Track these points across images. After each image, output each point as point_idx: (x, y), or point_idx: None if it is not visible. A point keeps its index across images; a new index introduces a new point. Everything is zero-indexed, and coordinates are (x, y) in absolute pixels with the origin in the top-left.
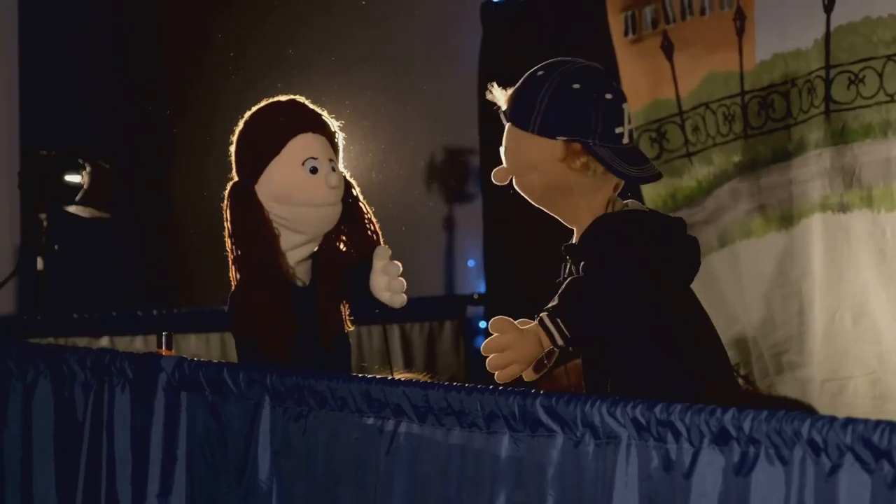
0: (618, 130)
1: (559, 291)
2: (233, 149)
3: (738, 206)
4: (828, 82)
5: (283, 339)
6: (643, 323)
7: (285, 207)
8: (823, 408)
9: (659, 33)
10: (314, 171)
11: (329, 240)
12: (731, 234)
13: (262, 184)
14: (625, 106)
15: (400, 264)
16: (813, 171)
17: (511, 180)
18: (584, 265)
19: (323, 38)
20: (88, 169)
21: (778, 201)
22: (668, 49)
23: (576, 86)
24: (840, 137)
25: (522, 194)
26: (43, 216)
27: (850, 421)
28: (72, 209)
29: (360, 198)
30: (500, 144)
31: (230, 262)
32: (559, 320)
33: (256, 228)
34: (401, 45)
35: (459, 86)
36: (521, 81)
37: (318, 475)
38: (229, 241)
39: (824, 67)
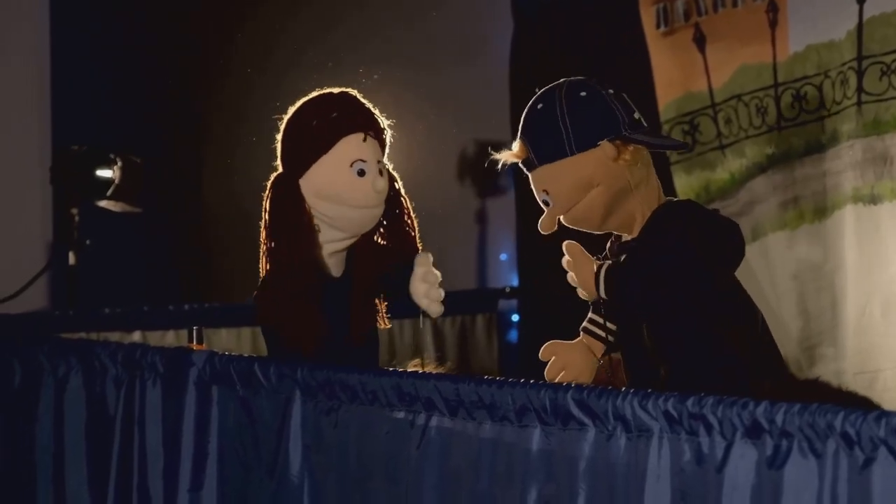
0: (636, 116)
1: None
2: (280, 138)
3: (771, 199)
4: (860, 73)
5: (310, 334)
6: (701, 305)
7: (328, 205)
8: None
9: (691, 25)
10: (361, 173)
11: (366, 233)
12: (764, 226)
13: (307, 179)
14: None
15: (439, 274)
16: (845, 162)
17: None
18: (641, 255)
19: (354, 33)
20: (119, 164)
21: (811, 193)
22: (700, 41)
23: (582, 94)
24: (872, 128)
25: (580, 227)
26: (75, 211)
27: (883, 414)
28: (103, 204)
29: (402, 192)
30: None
31: (261, 254)
32: (596, 317)
33: (296, 222)
34: (433, 39)
35: (491, 80)
36: (524, 127)
37: (349, 469)
38: (264, 232)
39: (856, 58)
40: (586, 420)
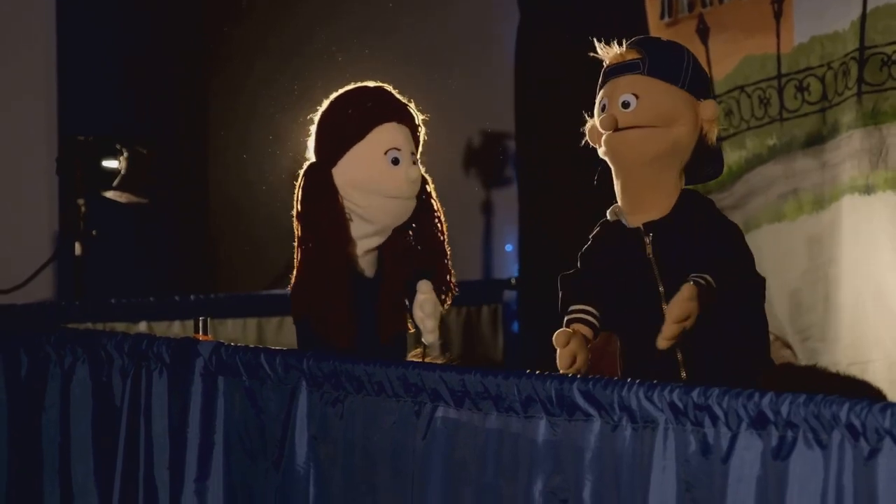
0: None
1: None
2: (313, 129)
3: (770, 191)
4: (861, 64)
5: (341, 332)
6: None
7: (361, 195)
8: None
9: (695, 17)
10: (396, 162)
11: (398, 234)
12: (758, 218)
13: (340, 168)
14: None
15: (436, 302)
16: (844, 153)
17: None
18: (715, 235)
19: (361, 25)
20: (126, 154)
21: (811, 185)
22: (703, 33)
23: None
24: (870, 119)
25: (625, 149)
26: (81, 202)
27: (888, 405)
28: (109, 195)
29: (434, 195)
30: (538, 125)
31: (295, 245)
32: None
33: (328, 212)
34: (439, 31)
35: (497, 71)
36: (646, 42)
37: (355, 460)
38: (297, 223)
39: (858, 49)
40: (592, 411)
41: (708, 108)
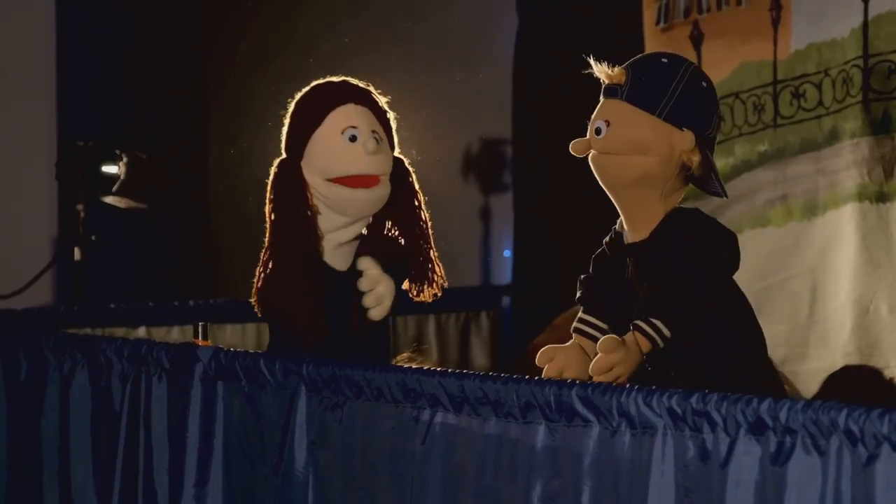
0: (713, 135)
1: (646, 294)
2: (284, 129)
3: (756, 197)
4: (866, 71)
5: (308, 326)
6: (724, 315)
7: (327, 186)
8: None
9: (689, 23)
10: (353, 139)
11: (378, 226)
12: (740, 223)
13: (306, 159)
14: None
15: (375, 279)
16: (848, 160)
17: (587, 155)
18: (674, 265)
19: (360, 31)
20: (125, 159)
21: (803, 191)
22: (697, 39)
23: (703, 84)
24: (880, 126)
25: (601, 173)
26: (80, 207)
27: (886, 411)
28: (109, 200)
29: (416, 185)
30: (535, 132)
31: (266, 239)
32: (657, 322)
33: (293, 203)
34: (437, 36)
35: (495, 77)
36: (639, 61)
37: (354, 465)
38: (267, 217)
39: (862, 56)
40: (591, 416)
41: (685, 139)
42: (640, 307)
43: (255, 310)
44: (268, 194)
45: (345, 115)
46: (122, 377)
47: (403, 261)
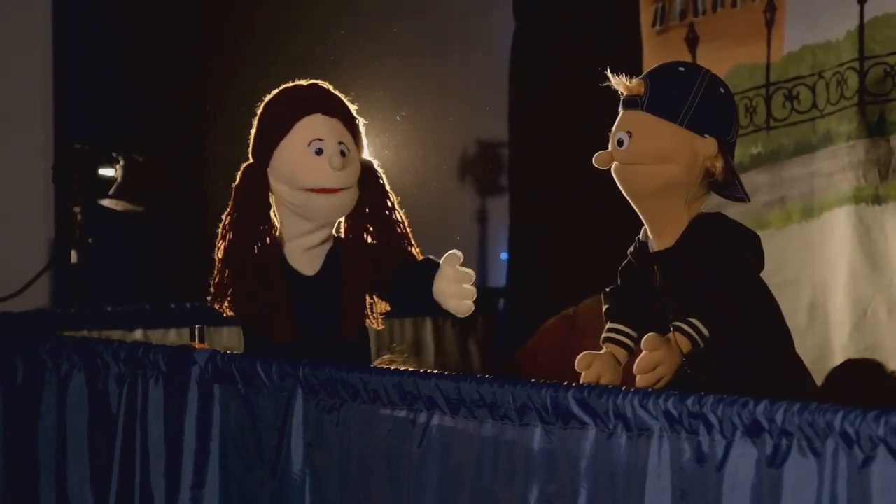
0: (733, 140)
1: (679, 302)
2: (252, 132)
3: (755, 200)
4: (862, 74)
5: (282, 324)
6: (756, 315)
7: (291, 192)
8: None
9: (685, 25)
10: (319, 152)
11: (356, 231)
12: None
13: (272, 167)
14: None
15: (472, 272)
16: (844, 162)
17: (611, 167)
18: (700, 267)
19: (355, 32)
20: (122, 162)
21: (798, 194)
22: (692, 41)
23: (721, 90)
24: (876, 129)
25: (625, 183)
26: (77, 209)
27: (882, 413)
28: (105, 203)
29: (387, 187)
30: (532, 135)
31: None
32: (695, 322)
33: (259, 209)
34: (433, 37)
35: (492, 79)
36: (657, 71)
37: (350, 467)
38: (226, 217)
39: (857, 59)
40: (587, 419)
41: (708, 146)
42: (674, 314)
43: (217, 308)
44: (232, 198)
45: (311, 127)
46: (119, 380)
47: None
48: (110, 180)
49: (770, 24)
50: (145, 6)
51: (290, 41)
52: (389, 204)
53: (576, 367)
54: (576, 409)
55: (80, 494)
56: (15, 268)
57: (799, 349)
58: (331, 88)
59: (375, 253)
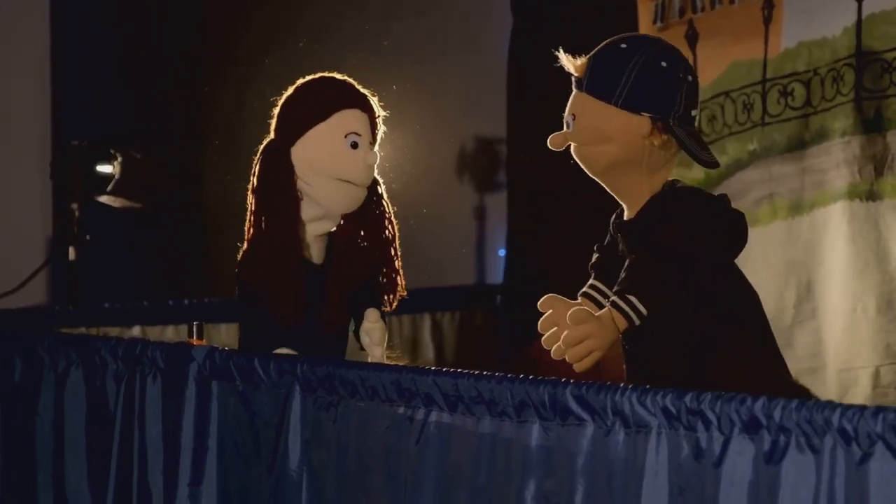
0: (693, 113)
1: (625, 270)
2: (276, 111)
3: (749, 196)
4: (859, 70)
5: (293, 307)
6: (709, 295)
7: (315, 175)
8: (839, 397)
9: (684, 22)
10: (354, 146)
11: (350, 228)
12: None
13: (298, 147)
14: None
15: (383, 329)
16: (838, 158)
17: (568, 147)
18: (651, 241)
19: (354, 30)
20: (120, 159)
21: (791, 189)
22: (692, 38)
23: (663, 64)
24: (872, 125)
25: (581, 163)
26: (75, 206)
27: (880, 409)
28: (103, 199)
29: (384, 195)
30: (530, 131)
31: (248, 220)
32: (632, 298)
33: (284, 190)
34: (431, 34)
35: (489, 76)
36: (599, 51)
37: (348, 464)
38: (252, 198)
39: (854, 55)
40: (585, 415)
41: (642, 125)
42: (619, 284)
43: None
44: (255, 174)
45: (352, 120)
46: (117, 377)
47: (373, 277)
48: (108, 177)
49: (768, 20)
50: (143, 4)
51: (286, 39)
52: (387, 215)
53: (538, 307)
54: (574, 405)
55: (78, 492)
56: (13, 265)
57: (786, 346)
58: (360, 87)
59: (362, 255)
